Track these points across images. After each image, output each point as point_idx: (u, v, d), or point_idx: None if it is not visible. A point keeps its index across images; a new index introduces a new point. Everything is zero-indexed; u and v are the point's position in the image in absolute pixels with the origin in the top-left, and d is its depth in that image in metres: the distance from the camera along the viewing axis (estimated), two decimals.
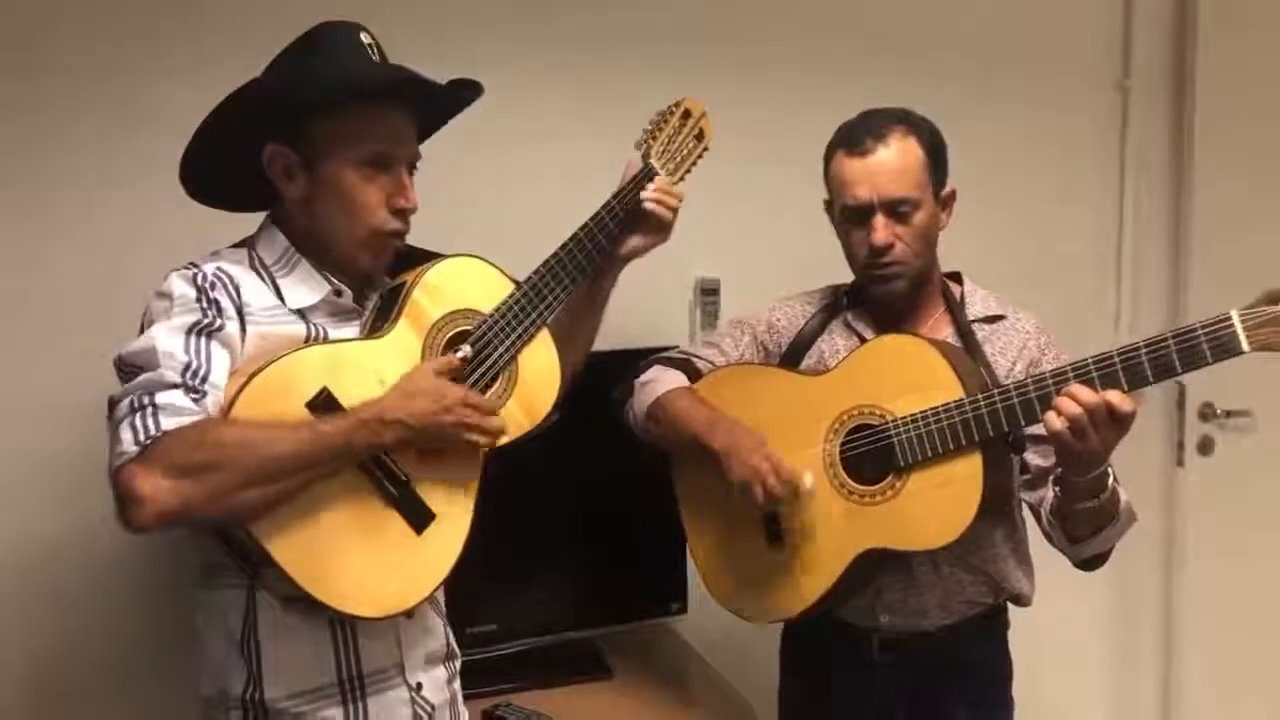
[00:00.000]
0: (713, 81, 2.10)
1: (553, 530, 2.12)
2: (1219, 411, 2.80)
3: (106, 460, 1.26)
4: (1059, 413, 1.45)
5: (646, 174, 1.65)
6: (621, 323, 1.83)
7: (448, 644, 1.58)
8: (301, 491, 1.31)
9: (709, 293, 2.43)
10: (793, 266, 2.18)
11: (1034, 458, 1.67)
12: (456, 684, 1.59)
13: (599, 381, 1.85)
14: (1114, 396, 1.44)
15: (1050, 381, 1.51)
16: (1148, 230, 2.76)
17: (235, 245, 1.49)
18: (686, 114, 1.72)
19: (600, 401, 1.91)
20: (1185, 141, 2.73)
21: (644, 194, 1.64)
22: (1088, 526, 1.59)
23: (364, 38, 1.44)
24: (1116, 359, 1.48)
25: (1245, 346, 1.40)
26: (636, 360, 1.94)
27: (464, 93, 1.51)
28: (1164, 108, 2.76)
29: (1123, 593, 2.83)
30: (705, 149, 1.73)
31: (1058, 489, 1.60)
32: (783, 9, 2.43)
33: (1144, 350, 1.47)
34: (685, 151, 1.70)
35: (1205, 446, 2.82)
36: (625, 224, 1.64)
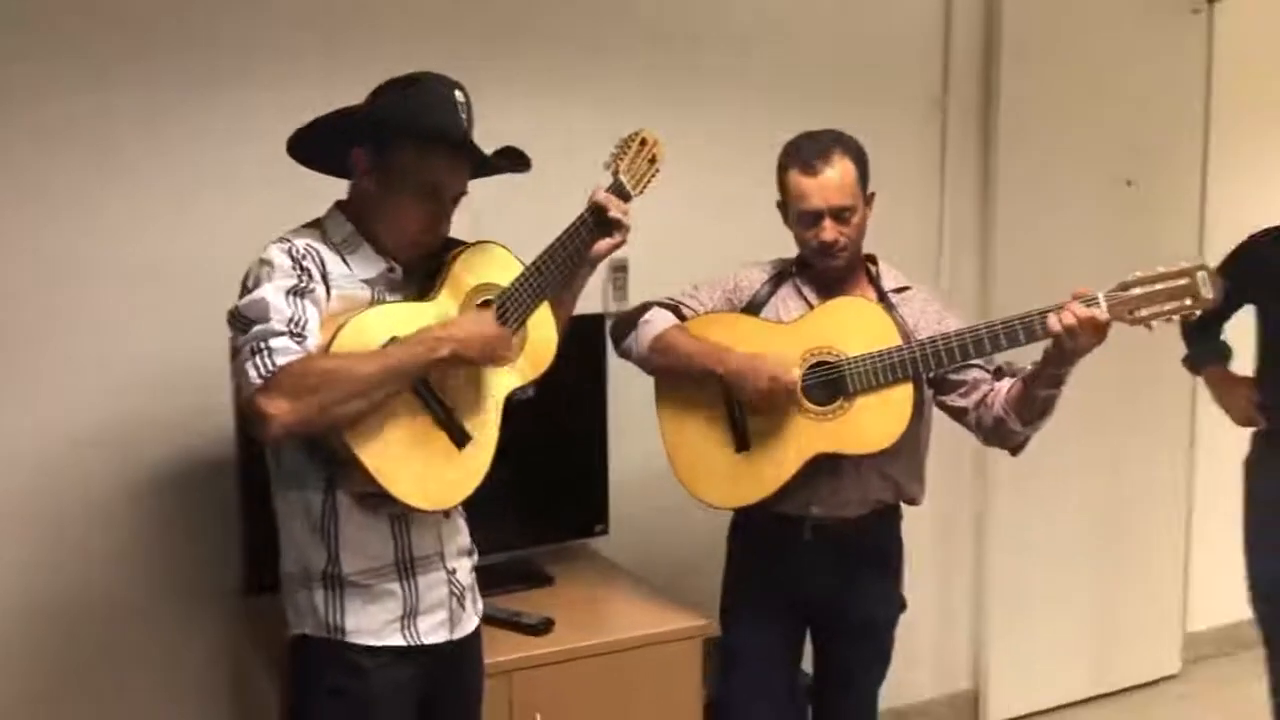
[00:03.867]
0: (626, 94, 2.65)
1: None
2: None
3: (237, 392, 1.71)
4: (1060, 320, 1.99)
5: (617, 187, 2.08)
6: None
7: (470, 542, 2.01)
8: (379, 411, 1.71)
9: (618, 270, 2.91)
10: (690, 248, 2.74)
11: (972, 372, 2.23)
12: (473, 574, 2.02)
13: None
14: (1096, 312, 2.00)
15: (969, 338, 2.12)
16: (962, 227, 3.39)
17: (307, 225, 1.87)
18: (644, 142, 2.13)
19: None
20: (990, 154, 3.37)
21: (600, 199, 2.01)
22: (1042, 409, 2.13)
23: (458, 95, 1.83)
24: (1000, 327, 2.09)
25: (1107, 318, 2.02)
26: None
27: (511, 164, 1.92)
28: (974, 126, 3.38)
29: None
30: (658, 170, 2.15)
31: (1027, 381, 2.12)
32: (692, 45, 2.97)
33: (1035, 317, 2.06)
34: (643, 171, 2.12)
35: None
36: (598, 228, 2.03)
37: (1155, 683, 3.83)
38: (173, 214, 2.46)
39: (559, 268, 1.98)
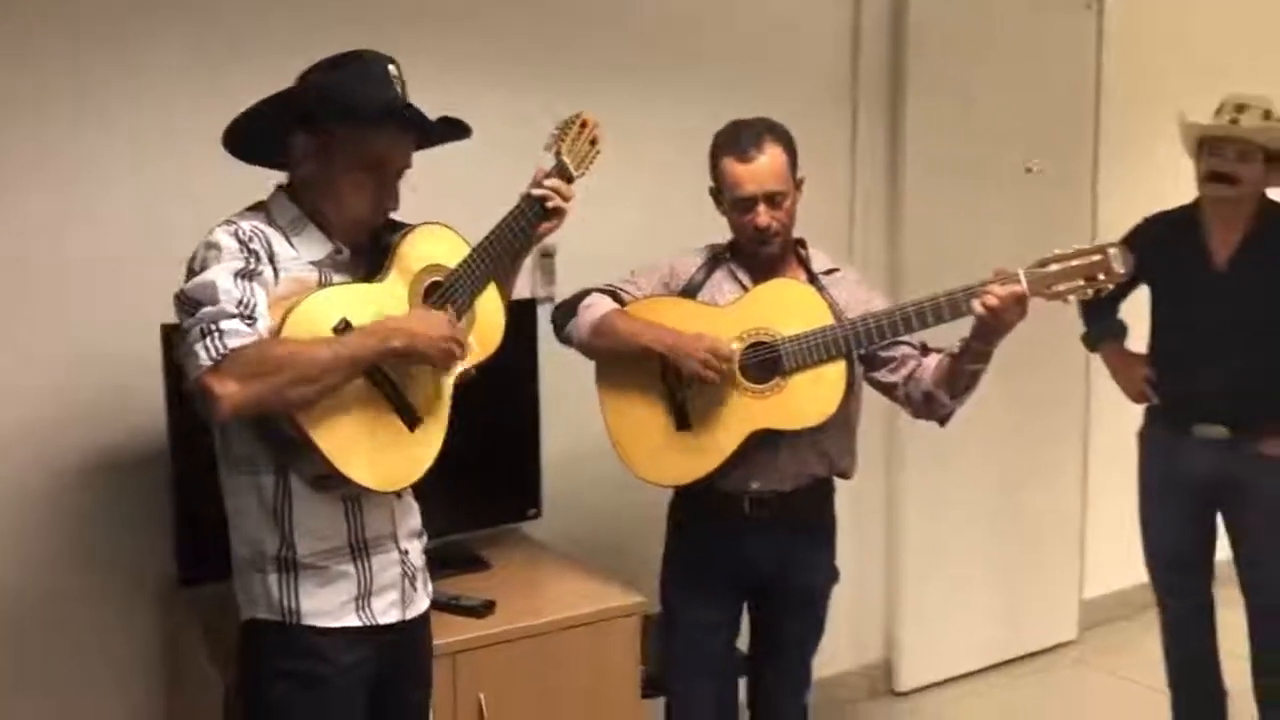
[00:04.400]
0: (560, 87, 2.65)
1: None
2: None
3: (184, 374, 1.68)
4: (983, 302, 2.08)
5: (560, 168, 2.09)
6: None
7: (420, 524, 2.01)
8: (333, 394, 1.71)
9: (546, 256, 2.93)
10: (616, 235, 2.78)
11: (900, 349, 2.32)
12: (424, 556, 2.02)
13: None
14: (1016, 288, 2.08)
15: (898, 315, 2.20)
16: (872, 209, 3.50)
17: (251, 208, 1.85)
18: (584, 124, 2.15)
19: None
20: (898, 139, 3.49)
21: (540, 192, 2.02)
22: (969, 383, 2.23)
23: (392, 69, 1.82)
24: (926, 304, 2.17)
25: (1027, 293, 2.10)
26: None
27: (453, 132, 1.92)
28: (883, 113, 3.49)
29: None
30: (598, 152, 2.17)
31: (955, 358, 2.21)
32: (609, 33, 3.00)
33: (960, 295, 2.14)
34: (584, 152, 2.14)
35: None
36: (541, 209, 2.05)
37: (1054, 648, 4.02)
38: (98, 206, 2.39)
39: (505, 249, 2.00)
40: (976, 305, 2.11)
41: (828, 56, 3.40)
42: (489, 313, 2.00)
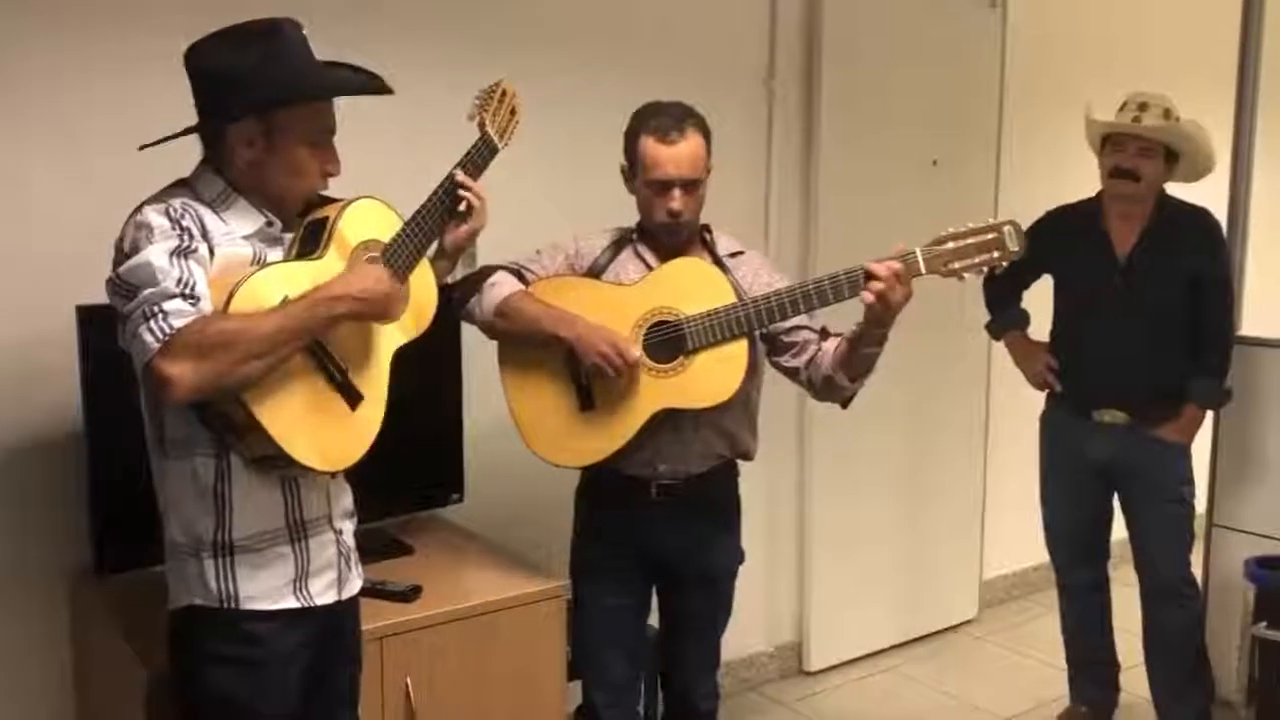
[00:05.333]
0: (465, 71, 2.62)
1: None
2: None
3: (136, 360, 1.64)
4: (872, 285, 2.09)
5: (485, 140, 2.08)
6: None
7: (352, 504, 1.99)
8: (274, 372, 1.68)
9: None
10: (531, 223, 2.76)
11: (801, 334, 2.35)
12: (354, 537, 2.00)
13: None
14: (898, 265, 2.11)
15: (799, 293, 2.22)
16: (787, 199, 3.55)
17: (174, 185, 1.79)
18: (504, 93, 2.15)
19: None
20: (813, 132, 3.55)
21: (463, 177, 2.02)
22: (866, 366, 2.25)
23: (304, 32, 1.80)
24: (826, 282, 2.20)
25: (923, 270, 2.14)
26: None
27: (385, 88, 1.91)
28: (798, 107, 3.54)
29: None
30: (518, 121, 2.17)
31: (852, 341, 2.23)
32: (528, 27, 2.99)
33: (860, 271, 2.17)
34: (505, 121, 2.14)
35: None
36: (453, 210, 2.03)
37: (956, 627, 4.15)
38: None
39: (436, 223, 1.99)
40: (866, 295, 2.13)
41: (745, 49, 3.44)
42: (423, 287, 1.99)
